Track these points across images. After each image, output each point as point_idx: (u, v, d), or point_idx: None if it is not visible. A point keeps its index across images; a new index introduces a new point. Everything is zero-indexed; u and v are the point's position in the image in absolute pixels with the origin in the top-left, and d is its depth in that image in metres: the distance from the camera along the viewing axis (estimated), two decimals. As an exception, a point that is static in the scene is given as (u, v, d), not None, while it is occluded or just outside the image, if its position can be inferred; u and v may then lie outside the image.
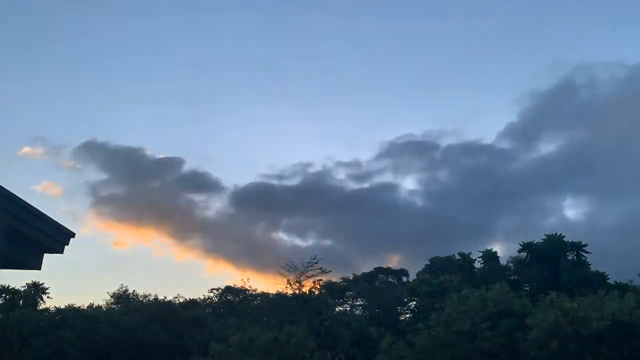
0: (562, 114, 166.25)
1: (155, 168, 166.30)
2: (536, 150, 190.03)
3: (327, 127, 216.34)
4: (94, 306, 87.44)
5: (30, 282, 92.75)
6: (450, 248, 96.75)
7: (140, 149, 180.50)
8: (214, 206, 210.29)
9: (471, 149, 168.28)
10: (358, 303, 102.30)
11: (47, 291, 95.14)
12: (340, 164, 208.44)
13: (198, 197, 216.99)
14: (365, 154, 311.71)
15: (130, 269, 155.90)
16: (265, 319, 78.96)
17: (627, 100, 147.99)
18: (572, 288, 64.54)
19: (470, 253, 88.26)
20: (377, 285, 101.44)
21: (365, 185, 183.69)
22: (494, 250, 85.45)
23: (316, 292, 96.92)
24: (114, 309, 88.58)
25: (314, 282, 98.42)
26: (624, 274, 73.12)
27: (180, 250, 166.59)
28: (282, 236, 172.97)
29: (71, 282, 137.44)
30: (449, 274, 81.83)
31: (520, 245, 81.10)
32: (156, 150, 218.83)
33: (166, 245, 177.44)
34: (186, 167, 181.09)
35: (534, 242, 79.87)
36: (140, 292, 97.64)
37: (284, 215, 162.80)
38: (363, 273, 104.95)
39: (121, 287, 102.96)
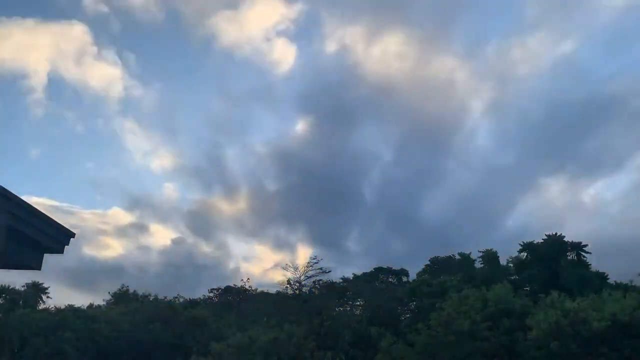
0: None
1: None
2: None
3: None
4: (94, 306, 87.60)
5: (30, 282, 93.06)
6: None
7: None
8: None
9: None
10: (358, 303, 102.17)
11: (47, 291, 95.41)
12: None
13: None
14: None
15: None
16: (265, 319, 78.88)
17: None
18: (572, 288, 64.48)
19: (470, 253, 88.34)
20: (377, 285, 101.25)
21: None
22: (494, 250, 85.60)
23: (316, 292, 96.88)
24: (113, 309, 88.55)
25: (314, 282, 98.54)
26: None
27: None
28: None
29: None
30: (449, 274, 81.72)
31: (520, 245, 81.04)
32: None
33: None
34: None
35: (534, 242, 79.81)
36: (141, 291, 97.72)
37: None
38: (363, 273, 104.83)
39: (122, 287, 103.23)
